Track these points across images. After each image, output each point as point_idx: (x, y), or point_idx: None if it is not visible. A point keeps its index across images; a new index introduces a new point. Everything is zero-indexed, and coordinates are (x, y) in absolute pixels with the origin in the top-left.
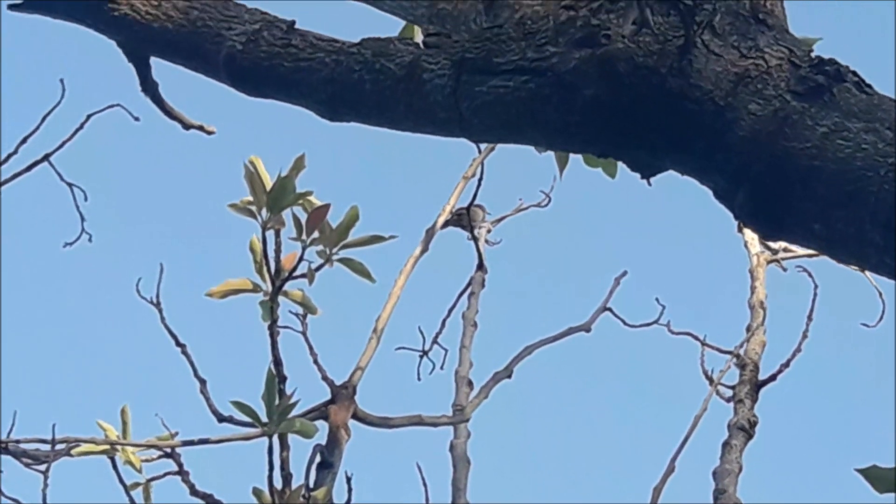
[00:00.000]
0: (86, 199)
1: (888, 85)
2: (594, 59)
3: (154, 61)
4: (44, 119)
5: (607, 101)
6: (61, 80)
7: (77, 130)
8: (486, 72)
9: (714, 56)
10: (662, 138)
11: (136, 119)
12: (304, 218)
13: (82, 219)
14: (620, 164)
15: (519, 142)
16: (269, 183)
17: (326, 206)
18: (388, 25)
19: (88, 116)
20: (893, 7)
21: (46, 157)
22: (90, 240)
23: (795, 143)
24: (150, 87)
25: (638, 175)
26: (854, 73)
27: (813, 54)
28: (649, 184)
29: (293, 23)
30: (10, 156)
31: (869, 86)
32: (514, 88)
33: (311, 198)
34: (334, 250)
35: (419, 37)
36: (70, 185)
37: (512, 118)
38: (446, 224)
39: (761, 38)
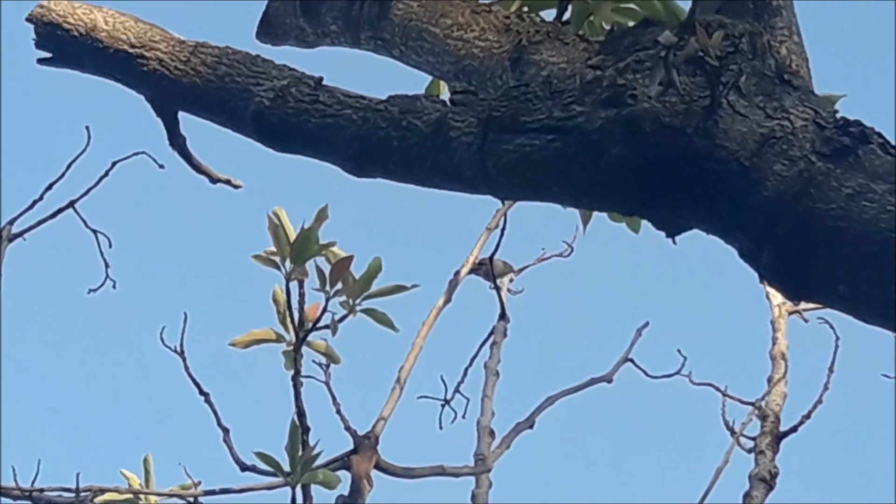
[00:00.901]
0: (110, 245)
1: (888, 83)
2: (620, 119)
3: (181, 115)
4: (69, 166)
5: (633, 161)
6: (87, 128)
7: (102, 177)
8: (512, 130)
9: (739, 116)
10: (688, 198)
11: (161, 167)
12: (327, 269)
13: (106, 265)
14: (645, 221)
15: (545, 199)
16: (292, 234)
17: (350, 258)
18: (415, 80)
19: (114, 164)
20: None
21: (72, 204)
22: (114, 286)
23: (820, 205)
24: (177, 142)
25: (663, 233)
26: (879, 135)
27: (838, 115)
28: (674, 242)
29: (321, 79)
30: (35, 202)
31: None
32: (541, 147)
33: (335, 249)
34: (357, 301)
35: (445, 92)
36: (95, 231)
37: (538, 177)
38: (469, 272)
39: (787, 99)
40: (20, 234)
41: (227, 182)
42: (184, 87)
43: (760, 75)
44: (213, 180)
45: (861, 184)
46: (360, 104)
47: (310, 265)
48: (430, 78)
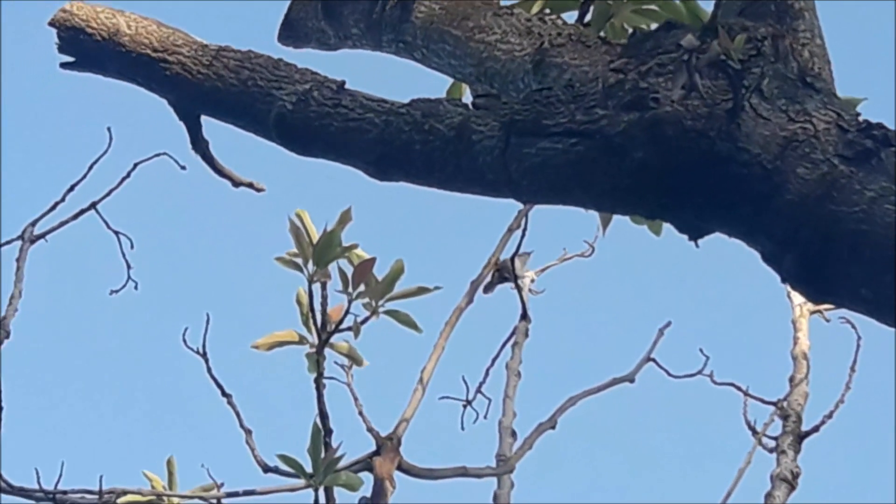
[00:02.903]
0: (132, 247)
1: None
2: (643, 123)
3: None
4: (91, 167)
5: (656, 165)
6: (108, 129)
7: (124, 179)
8: (535, 134)
9: (762, 120)
10: (710, 201)
11: (183, 168)
12: (349, 271)
13: (128, 266)
14: (667, 224)
15: (567, 203)
16: (315, 236)
17: (372, 260)
18: (436, 84)
19: (135, 165)
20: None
21: (94, 206)
22: (136, 288)
23: (843, 208)
24: (200, 146)
25: (686, 237)
26: None
27: (860, 118)
28: (697, 245)
29: (343, 83)
30: (57, 204)
31: None
32: (563, 151)
33: (357, 251)
34: (380, 302)
35: (467, 95)
36: (117, 233)
37: (560, 180)
38: (491, 283)
39: (809, 102)
40: (42, 236)
41: (250, 185)
42: (206, 91)
43: (783, 78)
44: (236, 184)
45: (884, 187)
46: (383, 108)
47: (332, 267)
48: (450, 81)
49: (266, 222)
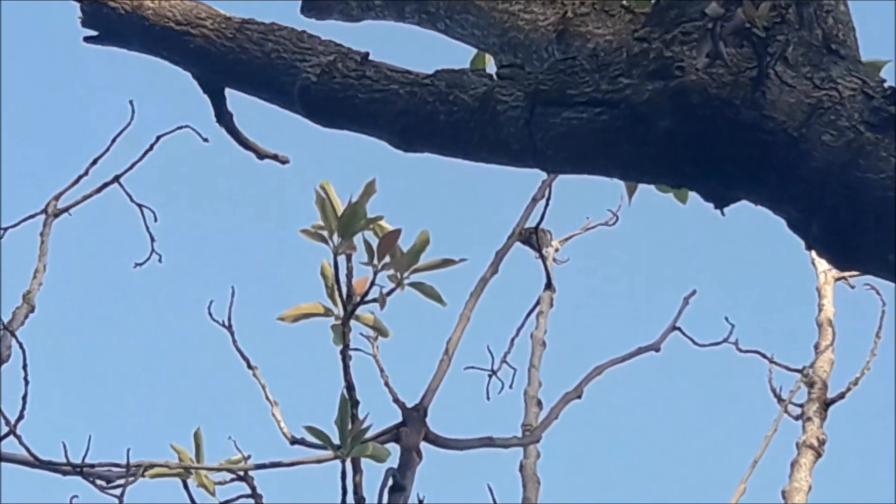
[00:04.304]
0: (156, 219)
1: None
2: (667, 92)
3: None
4: (114, 140)
5: (681, 133)
6: (131, 102)
7: (147, 152)
8: (559, 103)
9: (787, 87)
10: (736, 169)
11: (206, 140)
12: (375, 243)
13: (152, 239)
14: (692, 192)
15: (592, 172)
16: (340, 208)
17: (398, 231)
18: (460, 54)
19: (158, 138)
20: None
21: (117, 179)
22: (160, 261)
23: (869, 174)
24: (224, 118)
25: (711, 205)
26: None
27: (886, 84)
28: (723, 213)
29: (367, 54)
30: (80, 177)
31: None
32: (588, 120)
33: (382, 223)
34: (405, 274)
35: (491, 65)
36: (140, 206)
37: (585, 150)
38: (514, 241)
39: (834, 69)
40: (66, 210)
41: (275, 157)
42: (230, 64)
43: (808, 45)
44: (261, 156)
45: None
46: (407, 79)
47: (357, 239)
48: (474, 51)
49: (290, 195)
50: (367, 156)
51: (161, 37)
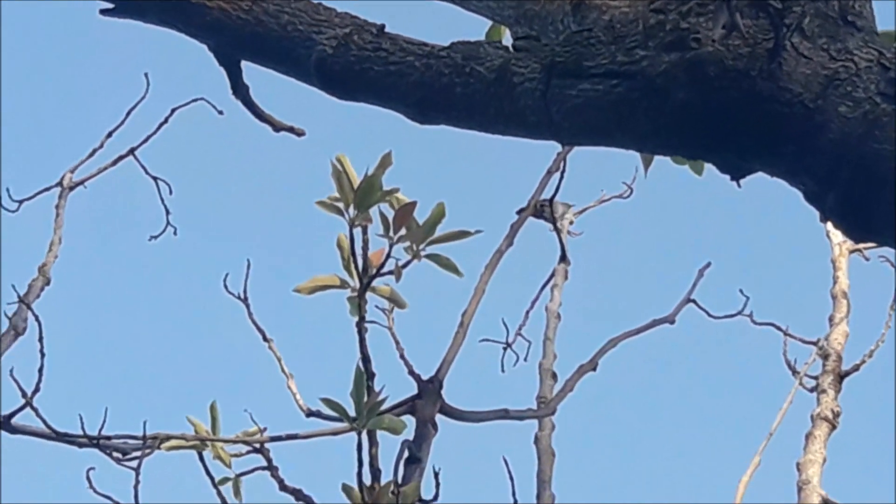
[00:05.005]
0: (171, 192)
1: None
2: (684, 63)
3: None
4: (129, 113)
5: (697, 105)
6: (146, 75)
7: (161, 124)
8: (576, 75)
9: (803, 59)
10: (752, 141)
11: (220, 113)
12: (390, 215)
13: (167, 212)
14: (708, 164)
15: (609, 145)
16: (356, 180)
17: (413, 204)
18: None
19: (173, 110)
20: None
21: (132, 151)
22: (175, 233)
23: (886, 146)
24: (241, 91)
25: (728, 177)
26: None
27: None
28: (739, 185)
29: (383, 27)
30: (95, 150)
31: None
32: (604, 92)
33: (398, 195)
34: (421, 246)
35: (507, 38)
36: (155, 178)
37: (602, 122)
38: (529, 214)
39: (850, 40)
40: (81, 183)
41: (290, 130)
42: (246, 37)
43: (824, 17)
44: (277, 128)
45: None
46: (423, 51)
47: (373, 211)
48: (489, 24)
49: (305, 167)
50: (383, 128)
51: (177, 9)
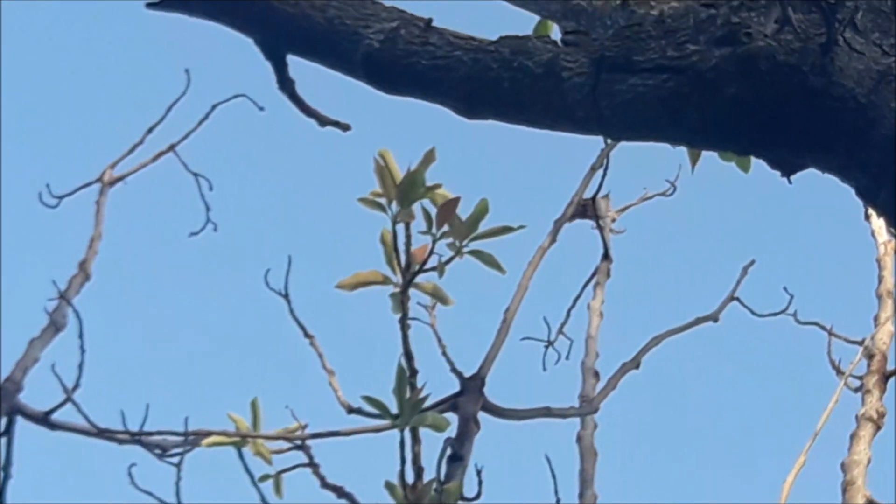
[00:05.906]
0: (211, 188)
1: None
2: (735, 58)
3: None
4: (169, 109)
5: (748, 100)
6: (186, 71)
7: (202, 120)
8: (625, 70)
9: (856, 54)
10: (804, 137)
11: (262, 109)
12: (433, 211)
13: (207, 209)
14: (755, 159)
15: (658, 140)
16: (398, 176)
17: (456, 199)
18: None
19: (214, 106)
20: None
21: (172, 147)
22: (215, 229)
23: None
24: (287, 85)
25: (778, 173)
26: None
27: None
28: (790, 182)
29: (430, 21)
30: (135, 146)
31: None
32: (654, 87)
33: (441, 191)
34: (464, 242)
35: (555, 32)
36: (196, 174)
37: (651, 117)
38: (572, 217)
39: None
40: (121, 178)
41: (336, 124)
42: (292, 30)
43: (877, 11)
44: (322, 123)
45: None
46: (471, 45)
47: (416, 207)
48: (537, 19)
49: (346, 163)
50: (426, 124)
51: (224, 3)
